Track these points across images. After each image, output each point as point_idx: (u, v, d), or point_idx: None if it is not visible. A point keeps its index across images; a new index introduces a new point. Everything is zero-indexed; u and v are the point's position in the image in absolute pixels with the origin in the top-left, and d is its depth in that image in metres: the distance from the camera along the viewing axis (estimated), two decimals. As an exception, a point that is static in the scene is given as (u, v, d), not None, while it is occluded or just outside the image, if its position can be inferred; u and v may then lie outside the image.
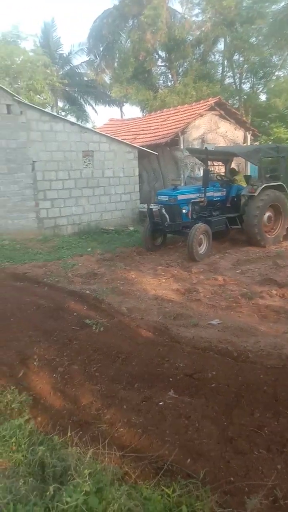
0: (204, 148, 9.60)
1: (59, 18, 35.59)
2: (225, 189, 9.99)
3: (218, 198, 9.84)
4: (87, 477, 2.12)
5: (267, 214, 9.52)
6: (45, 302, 5.77)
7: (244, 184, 10.40)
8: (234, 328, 4.84)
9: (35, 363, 3.93)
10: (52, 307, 5.56)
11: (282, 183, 9.91)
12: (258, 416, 3.09)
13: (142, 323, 5.06)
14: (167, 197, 8.86)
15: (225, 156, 10.94)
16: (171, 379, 3.65)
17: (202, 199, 9.18)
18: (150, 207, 9.19)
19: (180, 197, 8.86)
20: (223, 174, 11.00)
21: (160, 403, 3.22)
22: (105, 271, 7.70)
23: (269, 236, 9.57)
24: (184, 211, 8.95)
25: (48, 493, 2.09)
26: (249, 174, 12.94)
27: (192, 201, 9.16)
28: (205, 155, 9.83)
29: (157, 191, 9.88)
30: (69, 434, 2.74)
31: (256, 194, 9.18)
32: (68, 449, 2.50)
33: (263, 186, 9.29)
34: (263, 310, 5.46)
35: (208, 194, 9.26)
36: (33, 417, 3.07)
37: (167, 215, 8.70)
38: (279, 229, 9.84)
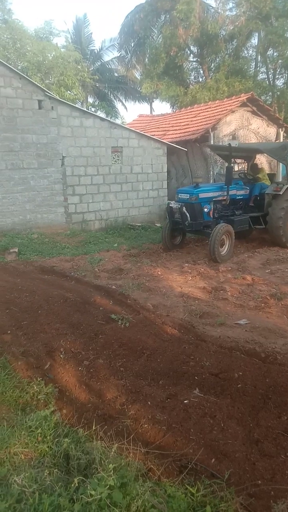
0: (227, 144, 9.23)
1: (91, 14, 35.81)
2: (248, 188, 9.72)
3: (241, 197, 9.55)
4: (112, 471, 2.12)
5: None
6: (72, 295, 5.83)
7: (268, 183, 10.10)
8: (262, 328, 4.75)
9: (61, 355, 3.99)
10: (78, 301, 5.61)
11: None
12: (286, 419, 3.02)
13: (167, 320, 5.04)
14: (188, 195, 8.50)
15: (249, 153, 10.60)
16: (196, 378, 3.61)
17: (224, 198, 8.87)
18: (170, 205, 8.85)
19: (201, 195, 8.53)
20: (245, 171, 10.72)
21: (185, 401, 3.20)
22: (131, 267, 7.71)
23: None
24: (205, 209, 8.63)
25: (72, 484, 2.11)
26: (280, 172, 12.60)
27: (214, 199, 8.83)
28: (228, 152, 9.41)
29: (178, 188, 9.51)
30: (94, 427, 2.75)
31: (281, 193, 8.90)
32: (93, 442, 2.51)
33: None
34: (292, 311, 5.33)
35: (231, 192, 8.96)
36: (58, 409, 3.11)
37: (188, 214, 8.37)
38: None
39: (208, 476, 2.43)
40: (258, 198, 9.68)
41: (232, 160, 10.42)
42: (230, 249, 8.42)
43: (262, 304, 5.62)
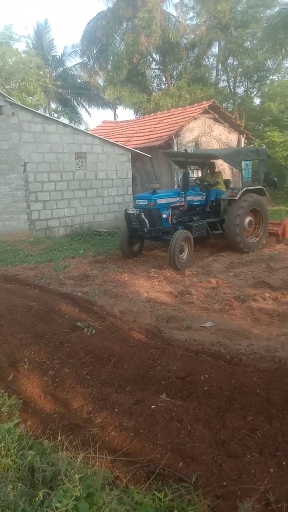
0: (183, 150, 9.25)
1: (52, 19, 35.64)
2: (204, 193, 9.73)
3: (198, 203, 9.55)
4: (78, 481, 2.08)
5: (248, 218, 9.33)
6: (36, 304, 5.71)
7: (223, 188, 10.16)
8: (227, 331, 4.82)
9: (25, 366, 3.89)
10: (43, 310, 5.50)
11: (262, 187, 9.81)
12: (251, 419, 3.07)
13: (134, 325, 5.02)
14: (146, 201, 8.37)
15: (205, 158, 10.60)
16: (163, 382, 3.62)
17: (182, 203, 8.85)
18: (128, 211, 8.67)
19: (159, 201, 8.44)
20: (200, 177, 10.78)
21: (152, 406, 3.19)
22: (97, 273, 7.66)
23: (250, 241, 9.38)
24: (164, 216, 8.52)
25: (37, 498, 2.05)
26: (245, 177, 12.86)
27: (172, 205, 8.78)
28: (184, 158, 9.31)
29: (135, 195, 9.48)
30: (59, 438, 2.69)
31: (237, 198, 8.96)
32: (58, 453, 2.46)
33: (243, 190, 9.12)
34: (256, 313, 5.45)
35: (188, 198, 8.94)
36: (22, 421, 3.03)
37: (146, 220, 8.21)
38: (260, 234, 9.66)
39: (175, 480, 2.43)
40: (214, 203, 9.70)
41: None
42: (190, 255, 8.39)
43: (227, 307, 5.71)
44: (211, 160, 10.70)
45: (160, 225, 8.50)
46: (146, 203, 8.34)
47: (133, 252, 9.16)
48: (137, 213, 8.29)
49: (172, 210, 8.80)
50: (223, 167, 16.52)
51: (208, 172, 10.85)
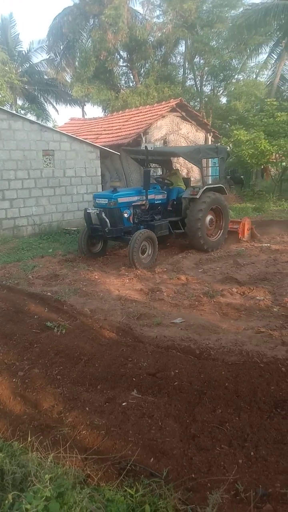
0: (143, 147, 9.02)
1: (17, 14, 34.82)
2: (165, 192, 9.55)
3: (160, 201, 9.36)
4: (48, 482, 2.07)
5: (209, 217, 9.27)
6: (3, 305, 5.61)
7: (183, 187, 10.01)
8: (197, 326, 4.90)
9: (-7, 368, 3.81)
10: (11, 310, 5.41)
11: (222, 185, 9.79)
12: (220, 412, 3.13)
13: (105, 324, 5.02)
14: (107, 199, 8.10)
15: (165, 156, 10.37)
16: (134, 379, 3.64)
17: (143, 202, 8.61)
18: (88, 211, 8.32)
19: (120, 200, 8.18)
20: (160, 176, 10.61)
21: (123, 404, 3.21)
22: (67, 272, 7.58)
23: (212, 240, 9.38)
24: (125, 215, 8.30)
25: (7, 501, 2.02)
26: (212, 175, 12.96)
27: (133, 204, 8.54)
28: (144, 156, 8.99)
29: (94, 193, 9.02)
30: (29, 439, 2.66)
31: (198, 197, 8.87)
32: (28, 454, 2.43)
33: (204, 188, 9.08)
34: (224, 308, 5.56)
35: (150, 197, 8.71)
36: (-9, 424, 2.97)
37: (107, 220, 7.94)
38: (221, 232, 9.65)
39: (147, 476, 2.46)
40: (175, 202, 9.55)
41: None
42: (153, 255, 8.24)
43: (196, 303, 5.80)
44: (169, 159, 10.59)
45: (122, 224, 8.28)
46: (106, 202, 8.09)
47: (94, 253, 8.86)
48: (97, 212, 8.00)
49: (134, 209, 8.60)
50: (191, 165, 16.69)
51: (166, 171, 10.77)
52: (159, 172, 11.57)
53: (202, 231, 8.87)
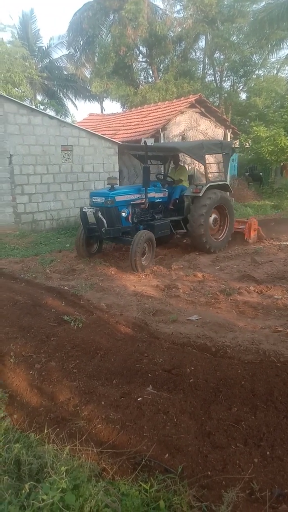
0: (142, 143, 8.47)
1: (38, 9, 34.98)
2: (167, 190, 9.11)
3: (160, 200, 8.86)
4: (64, 474, 2.09)
5: (213, 216, 8.89)
6: (22, 298, 5.68)
7: (186, 184, 9.54)
8: (213, 323, 4.87)
9: (11, 360, 3.86)
10: (29, 304, 5.47)
11: (226, 182, 9.41)
12: (236, 410, 3.11)
13: (121, 319, 5.04)
14: (103, 198, 7.63)
15: (166, 152, 9.78)
16: (149, 375, 3.64)
17: (143, 201, 8.10)
18: (84, 210, 7.83)
19: (118, 198, 7.71)
20: (162, 173, 10.12)
21: (139, 399, 3.22)
22: (84, 267, 7.63)
23: (215, 240, 9.00)
24: (123, 214, 7.86)
25: (23, 491, 2.05)
26: (228, 172, 12.70)
27: (132, 203, 8.07)
28: (144, 151, 8.35)
29: (91, 191, 8.57)
30: (45, 431, 2.70)
31: (201, 195, 8.48)
32: (45, 446, 2.46)
33: (207, 185, 8.66)
34: (241, 306, 5.51)
35: (150, 195, 8.23)
36: (9, 415, 3.01)
37: (104, 220, 7.48)
38: (225, 232, 9.26)
39: (161, 472, 2.46)
40: (178, 201, 9.15)
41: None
42: (152, 257, 7.89)
43: (212, 300, 5.77)
44: (176, 154, 9.96)
45: (120, 224, 7.83)
46: (103, 201, 7.64)
47: (91, 254, 8.46)
48: (94, 211, 7.54)
49: (132, 208, 8.17)
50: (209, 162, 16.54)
51: (172, 166, 10.20)
52: (161, 169, 10.88)
53: (205, 231, 8.50)
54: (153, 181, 8.97)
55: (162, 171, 10.32)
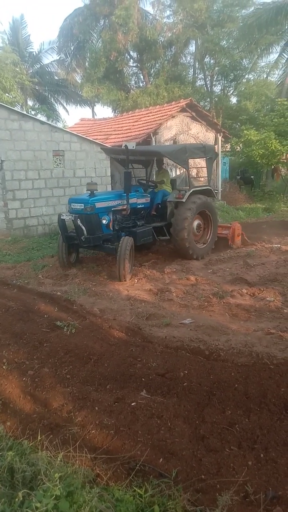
0: (123, 146, 7.91)
1: (28, 15, 35.06)
2: (149, 195, 8.66)
3: (142, 206, 8.42)
4: (58, 480, 2.08)
5: (196, 222, 8.53)
6: (14, 304, 5.65)
7: (169, 189, 9.10)
8: (206, 327, 4.88)
9: (4, 366, 3.84)
10: (21, 309, 5.45)
11: (210, 187, 9.08)
12: (230, 413, 3.12)
13: (114, 324, 5.03)
14: (83, 204, 7.22)
15: (148, 156, 9.24)
16: (143, 379, 3.64)
17: (124, 207, 7.74)
18: (62, 217, 7.45)
19: (98, 205, 7.31)
20: (144, 177, 9.44)
21: (133, 404, 3.21)
22: (76, 272, 7.61)
23: (199, 247, 8.62)
24: (104, 221, 7.44)
25: (17, 499, 2.04)
26: (220, 176, 12.63)
27: (113, 209, 7.66)
28: (125, 155, 7.94)
29: (70, 198, 8.06)
30: (39, 438, 2.68)
31: (184, 200, 8.10)
32: (38, 453, 2.45)
33: (191, 191, 8.29)
34: (234, 309, 5.53)
35: (131, 201, 7.87)
36: (1, 422, 2.99)
37: (83, 227, 7.10)
38: (209, 239, 8.92)
39: (156, 476, 2.46)
40: (160, 206, 8.78)
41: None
42: (132, 265, 7.47)
43: (205, 303, 5.78)
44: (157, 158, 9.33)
45: (100, 232, 7.41)
46: (82, 208, 7.21)
47: (71, 263, 8.03)
48: (73, 218, 7.16)
49: (113, 214, 7.74)
50: (200, 166, 16.62)
51: (155, 170, 9.74)
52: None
53: (189, 235, 8.13)
54: (135, 186, 8.61)
55: (144, 176, 9.72)
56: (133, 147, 7.86)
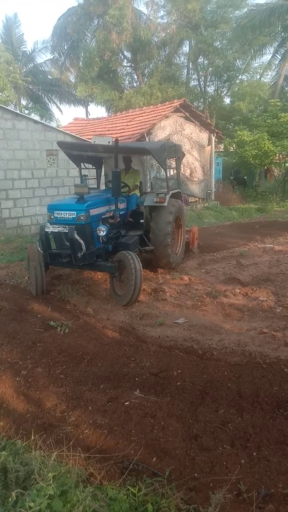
0: (93, 141, 6.66)
1: (22, 14, 34.87)
2: (125, 200, 7.38)
3: (123, 212, 7.21)
4: (51, 480, 2.08)
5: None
6: (7, 304, 5.63)
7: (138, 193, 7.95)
8: (199, 326, 4.90)
9: (-3, 366, 3.83)
10: (15, 309, 5.44)
11: (179, 190, 8.17)
12: (223, 412, 3.14)
13: (108, 323, 5.04)
14: (75, 213, 5.76)
15: (134, 153, 8.11)
16: (137, 379, 3.65)
17: (111, 214, 6.51)
18: (47, 229, 5.89)
19: (92, 212, 5.97)
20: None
21: (126, 403, 3.22)
22: (70, 271, 7.60)
23: (176, 254, 7.81)
24: (101, 233, 6.01)
25: (10, 499, 2.04)
26: (213, 176, 12.60)
27: (103, 217, 6.37)
28: (96, 151, 6.88)
29: (50, 203, 6.40)
30: (32, 437, 2.68)
31: (166, 204, 7.11)
32: (32, 453, 2.45)
33: (170, 194, 7.41)
34: (227, 309, 5.56)
35: (118, 206, 6.66)
36: (-5, 422, 2.98)
37: (82, 242, 5.69)
38: (180, 245, 8.18)
39: (149, 475, 2.46)
40: (134, 212, 7.60)
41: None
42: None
43: (199, 303, 5.80)
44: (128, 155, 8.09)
45: (93, 246, 6.03)
46: (74, 217, 5.76)
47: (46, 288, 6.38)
48: (66, 231, 5.68)
49: (102, 223, 6.32)
50: (195, 166, 16.66)
51: (122, 169, 7.84)
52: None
53: (171, 242, 7.26)
54: (103, 190, 7.65)
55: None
56: (109, 142, 6.58)
